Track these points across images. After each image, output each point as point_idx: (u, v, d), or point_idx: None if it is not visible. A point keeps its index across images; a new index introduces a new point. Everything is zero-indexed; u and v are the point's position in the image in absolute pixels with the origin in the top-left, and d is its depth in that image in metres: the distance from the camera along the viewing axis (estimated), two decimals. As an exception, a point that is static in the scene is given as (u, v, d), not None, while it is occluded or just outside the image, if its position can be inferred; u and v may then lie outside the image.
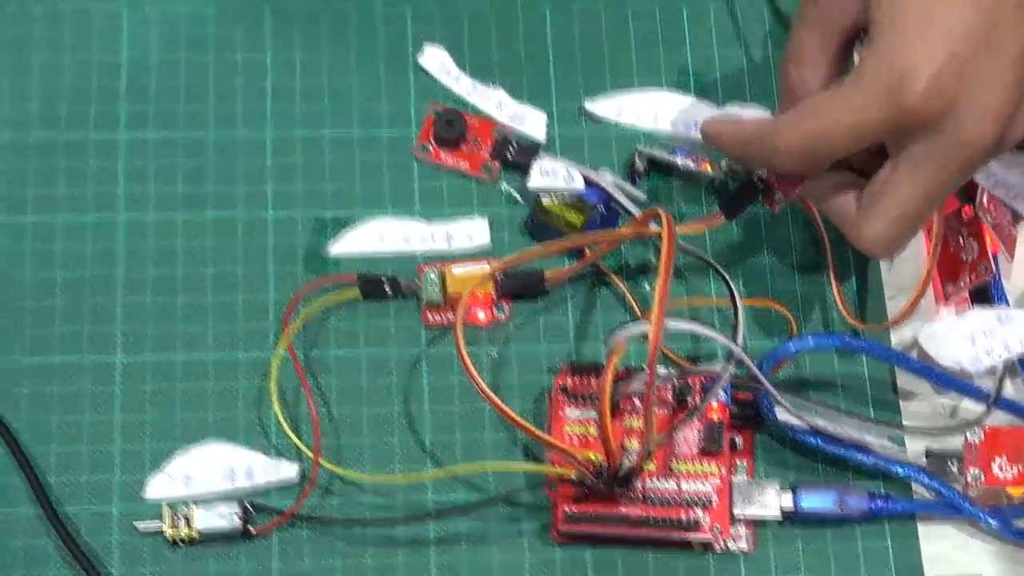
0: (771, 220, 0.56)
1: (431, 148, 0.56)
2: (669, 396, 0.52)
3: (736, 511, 0.51)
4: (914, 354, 0.54)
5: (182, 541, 0.50)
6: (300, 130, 0.56)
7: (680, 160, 0.56)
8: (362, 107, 0.57)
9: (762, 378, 0.51)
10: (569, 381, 0.52)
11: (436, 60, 0.57)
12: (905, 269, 0.56)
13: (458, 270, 0.53)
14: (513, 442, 0.53)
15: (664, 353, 0.53)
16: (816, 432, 0.52)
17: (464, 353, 0.48)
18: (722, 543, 0.51)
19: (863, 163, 0.51)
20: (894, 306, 0.55)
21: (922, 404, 0.54)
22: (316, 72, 0.57)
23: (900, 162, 0.49)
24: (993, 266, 0.54)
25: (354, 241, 0.54)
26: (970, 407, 0.53)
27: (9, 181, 0.54)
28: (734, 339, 0.50)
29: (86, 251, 0.54)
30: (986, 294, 0.55)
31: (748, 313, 0.54)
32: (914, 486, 0.53)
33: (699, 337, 0.54)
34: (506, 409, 0.48)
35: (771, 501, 0.51)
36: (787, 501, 0.51)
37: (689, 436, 0.52)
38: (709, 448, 0.52)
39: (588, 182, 0.56)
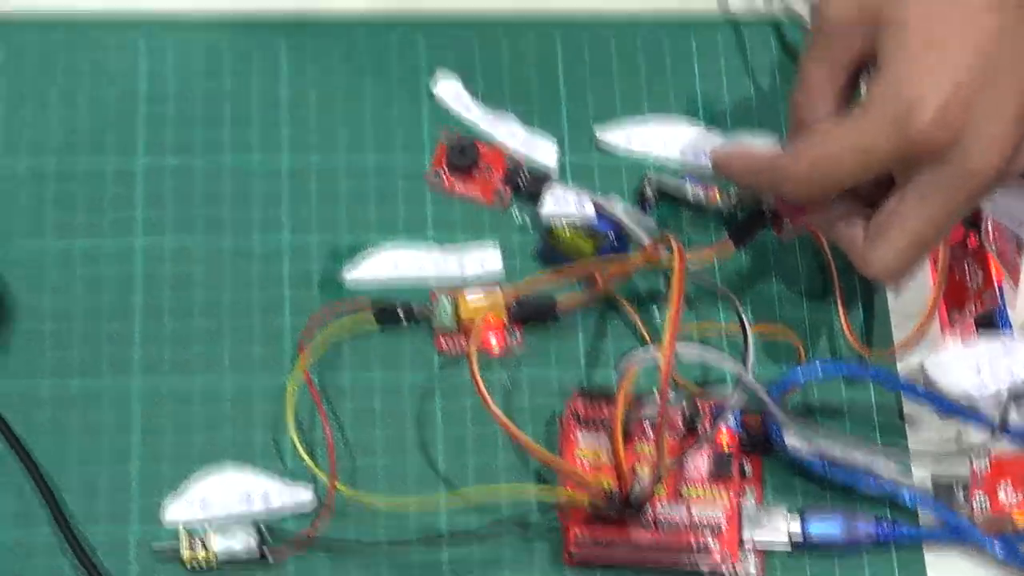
0: (779, 248, 0.57)
1: (444, 175, 0.57)
2: (679, 421, 0.53)
3: (745, 536, 0.52)
4: (920, 381, 0.54)
5: (199, 565, 0.51)
6: (316, 155, 0.57)
7: (689, 188, 0.57)
8: (376, 134, 0.57)
9: (773, 407, 0.51)
10: (580, 406, 0.53)
11: (450, 90, 0.58)
12: (911, 297, 0.56)
13: (471, 297, 0.54)
14: (525, 465, 0.53)
15: (673, 379, 0.54)
16: (824, 458, 0.53)
17: (478, 379, 0.49)
18: (731, 569, 0.52)
19: (871, 193, 0.51)
20: (900, 333, 0.56)
21: (928, 431, 0.55)
22: (330, 99, 0.58)
23: (907, 192, 0.50)
24: (998, 294, 0.55)
25: (369, 268, 0.55)
26: (976, 434, 0.54)
27: (30, 208, 0.55)
28: (744, 367, 0.51)
29: (105, 276, 0.54)
30: (991, 321, 0.55)
31: (756, 339, 0.55)
32: (921, 513, 0.53)
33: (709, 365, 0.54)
34: (520, 435, 0.49)
35: (779, 526, 0.52)
36: (795, 527, 0.52)
37: (699, 462, 0.53)
38: (718, 474, 0.52)
39: (599, 209, 0.56)
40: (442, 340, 0.54)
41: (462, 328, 0.54)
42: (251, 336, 0.54)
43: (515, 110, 0.58)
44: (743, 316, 0.52)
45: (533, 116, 0.58)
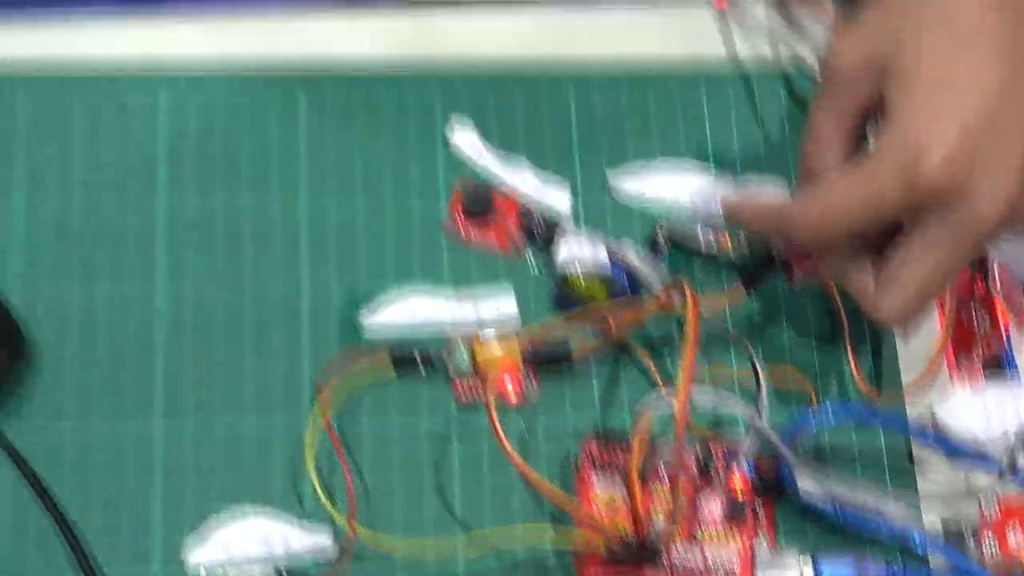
0: (789, 293, 0.58)
1: (459, 221, 0.58)
2: (692, 465, 0.54)
3: (758, 580, 0.53)
4: (929, 425, 0.55)
5: (220, 607, 0.51)
6: (334, 203, 0.57)
7: (701, 235, 0.58)
8: (393, 182, 0.58)
9: (786, 452, 0.52)
10: (595, 450, 0.54)
11: (467, 140, 0.59)
12: (920, 342, 0.57)
13: (487, 342, 0.55)
14: (540, 508, 0.54)
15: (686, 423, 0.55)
16: (835, 502, 0.53)
17: (497, 427, 0.50)
18: (744, 612, 0.53)
19: (880, 238, 0.52)
20: (909, 377, 0.57)
21: (937, 474, 0.55)
22: (348, 148, 0.58)
23: (914, 239, 0.50)
24: (1005, 338, 0.56)
25: (387, 315, 0.56)
26: (985, 478, 0.54)
27: (53, 253, 0.56)
28: (758, 413, 0.51)
29: (127, 320, 0.55)
30: (998, 364, 0.56)
31: (767, 382, 0.56)
32: (931, 556, 0.54)
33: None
34: (540, 480, 0.50)
35: (792, 570, 0.52)
36: (808, 570, 0.52)
37: (712, 505, 0.53)
38: (732, 517, 0.53)
39: (611, 256, 0.57)
40: (459, 386, 0.55)
41: (479, 373, 0.55)
42: (271, 379, 0.55)
43: (528, 152, 0.59)
44: (756, 363, 0.53)
45: (547, 164, 0.59)
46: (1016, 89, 0.50)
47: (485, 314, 0.56)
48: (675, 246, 0.58)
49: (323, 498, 0.52)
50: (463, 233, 0.58)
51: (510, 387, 0.55)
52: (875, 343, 0.57)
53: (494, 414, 0.50)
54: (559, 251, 0.57)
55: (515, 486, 0.54)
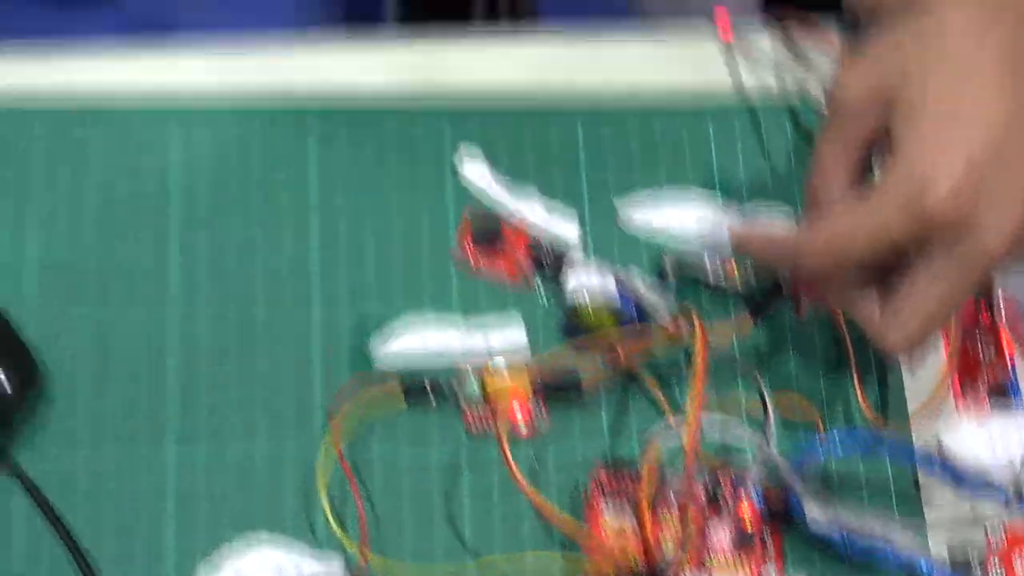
0: (796, 323, 0.58)
1: (468, 250, 0.58)
2: (701, 494, 0.54)
3: (767, 608, 0.53)
4: (935, 453, 0.55)
5: (233, 635, 0.52)
6: (344, 232, 0.58)
7: (708, 265, 0.58)
8: (403, 209, 0.59)
9: (795, 482, 0.52)
10: (604, 478, 0.54)
11: (476, 171, 0.59)
12: (925, 371, 0.57)
13: (497, 371, 0.55)
14: (550, 537, 0.54)
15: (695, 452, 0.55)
16: (843, 530, 0.53)
17: (509, 457, 0.50)
18: (754, 640, 0.53)
19: (885, 268, 0.52)
20: (915, 405, 0.57)
21: (944, 502, 0.56)
22: (358, 180, 0.59)
23: (920, 270, 0.51)
24: (1010, 367, 0.56)
25: (398, 344, 0.56)
26: (991, 506, 0.55)
27: (65, 283, 0.56)
28: (767, 442, 0.52)
29: (140, 347, 0.56)
30: (1003, 392, 0.57)
31: (775, 411, 0.56)
32: (938, 584, 0.54)
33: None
34: (550, 508, 0.50)
35: (801, 598, 0.53)
36: (816, 599, 0.53)
37: (721, 533, 0.54)
38: (740, 544, 0.53)
39: (619, 285, 0.57)
40: (469, 415, 0.56)
41: (489, 402, 0.55)
42: (282, 406, 0.55)
43: (537, 181, 0.59)
44: (764, 393, 0.53)
45: (555, 194, 0.59)
46: (1022, 121, 0.50)
47: (495, 343, 0.56)
48: (682, 276, 0.58)
49: (335, 525, 0.52)
50: (472, 262, 0.58)
51: (520, 416, 0.56)
52: (881, 372, 0.58)
53: (505, 444, 0.51)
54: (568, 281, 0.57)
55: (525, 514, 0.54)
